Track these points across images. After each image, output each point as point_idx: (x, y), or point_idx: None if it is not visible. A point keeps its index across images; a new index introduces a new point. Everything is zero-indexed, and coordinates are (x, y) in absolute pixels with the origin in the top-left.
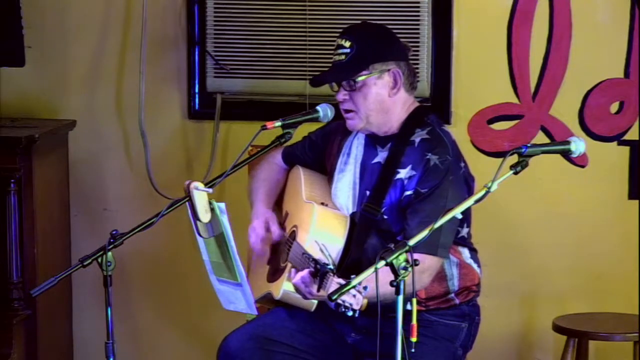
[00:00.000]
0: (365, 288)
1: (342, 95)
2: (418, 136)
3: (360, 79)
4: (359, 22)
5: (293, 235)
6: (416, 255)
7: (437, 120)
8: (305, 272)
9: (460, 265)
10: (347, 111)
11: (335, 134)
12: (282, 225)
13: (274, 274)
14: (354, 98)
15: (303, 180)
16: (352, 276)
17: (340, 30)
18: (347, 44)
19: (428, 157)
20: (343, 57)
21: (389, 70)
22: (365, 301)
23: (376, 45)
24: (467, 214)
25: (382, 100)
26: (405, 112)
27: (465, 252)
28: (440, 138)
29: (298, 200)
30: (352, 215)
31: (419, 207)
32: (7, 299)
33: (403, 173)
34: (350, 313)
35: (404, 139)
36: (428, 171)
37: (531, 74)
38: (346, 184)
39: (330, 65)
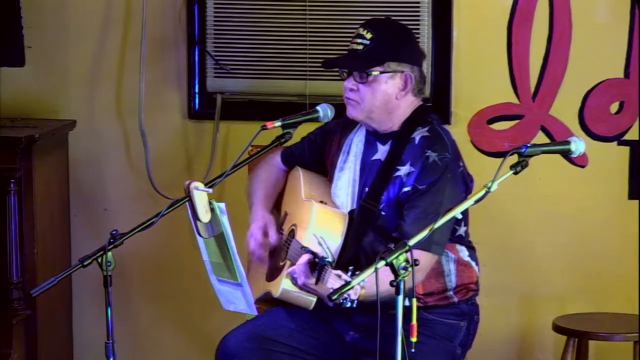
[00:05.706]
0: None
1: (350, 84)
2: (419, 134)
3: (373, 73)
4: (382, 17)
5: (292, 233)
6: None
7: (437, 119)
8: (303, 260)
9: (457, 262)
10: (351, 99)
11: (335, 132)
12: (281, 226)
13: (273, 273)
14: (362, 90)
15: (302, 179)
16: (350, 268)
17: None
18: (368, 35)
19: (427, 154)
20: (361, 47)
21: (402, 72)
22: (364, 291)
23: (396, 43)
24: (465, 213)
25: (389, 100)
26: (408, 112)
27: (463, 251)
28: (440, 136)
29: (297, 200)
30: (350, 213)
31: (415, 204)
32: (7, 299)
33: (402, 170)
34: (348, 304)
35: (404, 137)
36: (427, 168)
37: (531, 74)
38: (346, 181)
39: (344, 52)
